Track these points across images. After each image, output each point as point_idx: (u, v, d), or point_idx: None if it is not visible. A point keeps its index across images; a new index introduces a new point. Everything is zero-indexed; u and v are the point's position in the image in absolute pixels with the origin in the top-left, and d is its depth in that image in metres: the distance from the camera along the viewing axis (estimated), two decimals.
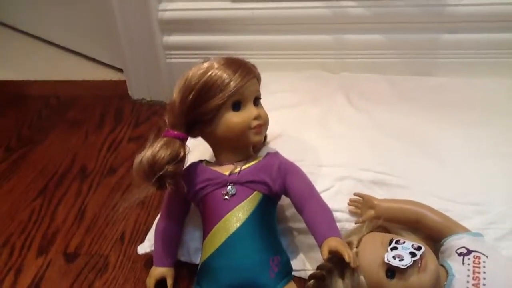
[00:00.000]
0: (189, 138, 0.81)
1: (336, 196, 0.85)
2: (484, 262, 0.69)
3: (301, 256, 0.85)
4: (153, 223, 0.88)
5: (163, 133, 0.77)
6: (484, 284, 0.66)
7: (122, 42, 1.29)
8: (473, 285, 0.67)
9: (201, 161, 0.83)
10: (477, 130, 0.98)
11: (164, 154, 0.74)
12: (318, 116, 1.03)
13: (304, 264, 0.85)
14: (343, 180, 0.87)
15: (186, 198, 0.81)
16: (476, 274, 0.67)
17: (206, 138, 0.83)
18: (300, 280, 0.81)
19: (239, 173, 0.78)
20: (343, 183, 0.86)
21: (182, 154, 0.76)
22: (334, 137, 0.97)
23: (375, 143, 0.95)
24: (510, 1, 1.10)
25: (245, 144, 0.81)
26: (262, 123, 0.79)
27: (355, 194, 0.84)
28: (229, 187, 0.77)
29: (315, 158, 0.90)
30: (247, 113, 0.78)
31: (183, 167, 0.78)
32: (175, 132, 0.77)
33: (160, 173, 0.73)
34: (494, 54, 1.16)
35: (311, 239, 0.75)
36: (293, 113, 1.04)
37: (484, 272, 0.67)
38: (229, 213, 0.76)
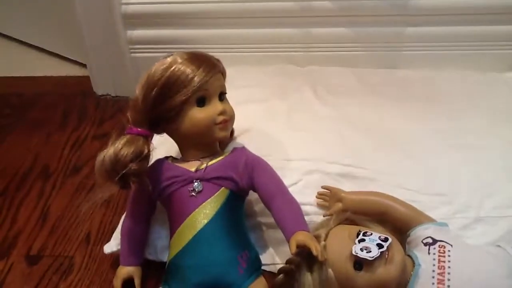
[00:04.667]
0: (154, 134, 0.79)
1: (304, 189, 0.85)
2: (449, 251, 0.70)
3: (270, 250, 0.85)
4: (119, 222, 0.86)
5: (126, 130, 0.76)
6: (449, 273, 0.67)
7: (84, 37, 1.25)
8: (438, 273, 0.68)
9: (166, 157, 0.82)
10: (442, 122, 0.99)
11: (127, 152, 0.72)
12: (285, 110, 1.03)
13: (274, 258, 0.84)
14: (311, 173, 0.87)
15: (152, 196, 0.79)
16: (441, 263, 0.68)
17: (171, 135, 0.81)
18: (270, 275, 0.81)
19: (205, 169, 0.77)
20: (311, 177, 0.86)
21: (146, 151, 0.74)
22: (301, 131, 0.96)
23: (342, 136, 0.95)
24: None
25: (211, 140, 0.80)
26: (228, 118, 0.78)
27: (322, 187, 0.84)
28: (196, 183, 0.76)
29: (283, 153, 0.90)
30: (212, 108, 0.77)
31: (147, 164, 0.76)
32: (138, 129, 0.75)
33: (123, 172, 0.71)
34: (459, 46, 1.18)
35: (280, 234, 0.75)
36: (260, 107, 1.04)
37: (449, 261, 0.68)
38: (196, 210, 0.75)
